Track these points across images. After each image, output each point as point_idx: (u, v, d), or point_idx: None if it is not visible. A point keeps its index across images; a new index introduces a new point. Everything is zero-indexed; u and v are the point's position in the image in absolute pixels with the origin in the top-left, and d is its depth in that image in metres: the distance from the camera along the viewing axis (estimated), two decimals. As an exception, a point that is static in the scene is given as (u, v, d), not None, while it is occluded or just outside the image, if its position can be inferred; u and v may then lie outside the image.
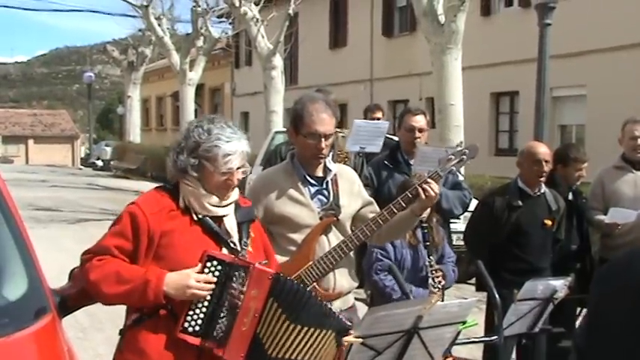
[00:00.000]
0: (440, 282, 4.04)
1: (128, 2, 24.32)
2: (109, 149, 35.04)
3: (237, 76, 29.33)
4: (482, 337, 3.94)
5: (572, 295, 3.77)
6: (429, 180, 3.12)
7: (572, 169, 4.84)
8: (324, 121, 3.13)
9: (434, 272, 4.04)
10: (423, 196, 3.08)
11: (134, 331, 2.52)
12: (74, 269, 2.63)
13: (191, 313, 2.51)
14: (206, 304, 2.51)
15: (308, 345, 2.54)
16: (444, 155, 3.15)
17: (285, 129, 11.20)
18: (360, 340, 2.38)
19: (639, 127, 4.98)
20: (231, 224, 2.66)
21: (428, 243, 4.09)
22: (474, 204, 5.12)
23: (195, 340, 2.50)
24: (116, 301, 2.52)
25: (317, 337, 2.55)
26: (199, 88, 25.77)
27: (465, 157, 3.20)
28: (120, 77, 38.42)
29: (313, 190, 3.25)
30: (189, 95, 22.89)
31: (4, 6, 41.44)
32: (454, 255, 4.37)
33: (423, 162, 4.42)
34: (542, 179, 4.46)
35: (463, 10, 9.36)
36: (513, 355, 4.46)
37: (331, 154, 3.40)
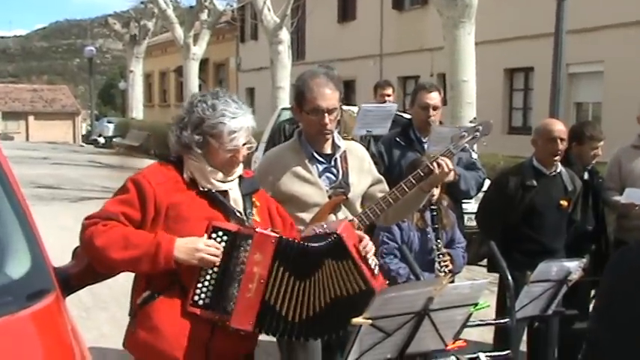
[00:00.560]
0: (447, 266, 4.05)
1: (130, -26, 24.20)
2: (111, 126, 35.00)
3: (243, 50, 29.22)
4: (493, 319, 3.95)
5: (587, 277, 3.77)
6: (442, 157, 3.11)
7: (587, 148, 4.81)
8: (326, 95, 3.12)
9: (441, 256, 4.05)
10: (437, 172, 3.08)
11: (146, 309, 2.54)
12: (77, 248, 2.64)
13: (200, 285, 2.53)
14: (214, 275, 2.53)
15: (329, 289, 2.57)
16: (458, 133, 3.15)
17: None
18: (370, 321, 2.38)
19: (659, 105, 4.94)
20: (235, 196, 2.67)
21: (437, 226, 4.09)
22: (487, 184, 5.11)
23: (205, 313, 2.52)
24: (124, 267, 2.51)
25: (331, 276, 2.58)
26: (203, 63, 25.70)
27: (478, 133, 3.19)
28: (122, 51, 38.32)
29: (321, 167, 3.25)
30: (193, 70, 22.83)
31: (3, -23, 41.27)
32: (465, 240, 4.38)
33: (438, 143, 4.40)
34: (557, 158, 4.44)
35: (477, -18, 9.28)
36: (525, 338, 4.47)
37: (337, 129, 3.39)
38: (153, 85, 39.20)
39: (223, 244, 2.53)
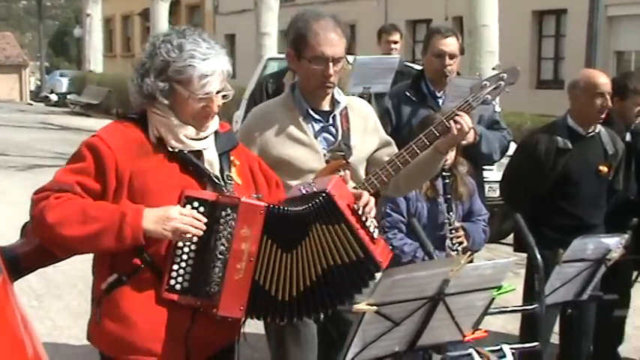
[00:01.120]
0: (460, 243, 4.05)
1: None
2: (64, 80, 34.86)
3: (221, -11, 28.99)
4: (519, 305, 3.96)
5: (629, 255, 3.79)
6: (459, 113, 3.10)
7: (630, 104, 4.80)
8: (333, 41, 3.11)
9: (454, 231, 4.05)
10: (455, 131, 3.07)
11: (113, 296, 2.53)
12: (26, 224, 2.63)
13: (176, 267, 2.52)
14: (192, 254, 2.53)
15: (319, 259, 2.56)
16: (478, 83, 3.13)
17: (280, 55, 11.10)
18: (374, 308, 2.39)
19: None
20: (211, 157, 2.66)
21: (449, 196, 4.08)
22: (512, 147, 5.11)
23: (184, 299, 2.52)
24: (83, 246, 2.48)
25: (322, 244, 2.57)
26: (174, 5, 25.51)
27: (502, 82, 3.17)
28: (76, -9, 38.02)
29: (318, 127, 3.24)
30: (161, 13, 22.63)
31: None
32: (487, 212, 4.37)
33: (456, 97, 4.38)
34: (602, 117, 4.44)
35: None
36: (556, 328, 4.50)
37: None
38: (114, 31, 38.94)
39: (200, 216, 2.52)
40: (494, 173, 6.77)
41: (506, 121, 5.27)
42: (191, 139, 2.59)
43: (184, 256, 2.53)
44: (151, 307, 2.52)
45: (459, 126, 3.10)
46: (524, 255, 4.11)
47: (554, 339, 4.57)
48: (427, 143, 3.14)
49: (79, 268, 2.66)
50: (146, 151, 2.55)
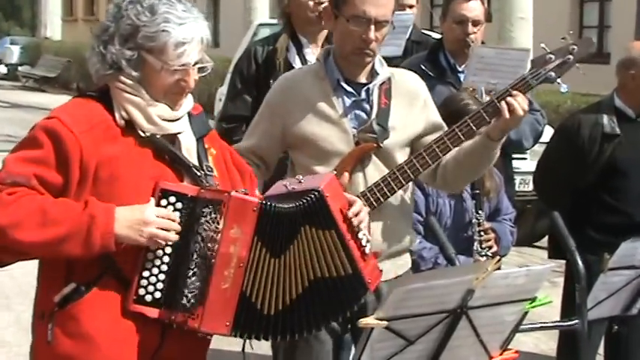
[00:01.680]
0: (490, 247, 4.05)
1: None
2: (15, 49, 34.89)
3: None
4: (557, 321, 3.98)
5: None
6: (513, 92, 3.09)
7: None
8: (379, 0, 3.09)
9: (482, 233, 4.05)
10: (507, 115, 3.06)
11: (70, 310, 2.52)
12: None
13: (146, 274, 2.52)
14: (166, 259, 2.52)
15: (306, 267, 2.58)
16: (542, 56, 3.09)
17: (272, 20, 11.06)
18: (384, 323, 2.38)
19: None
20: (189, 144, 2.65)
21: (477, 191, 4.08)
22: (548, 133, 5.10)
23: (156, 312, 2.52)
24: (42, 252, 2.48)
25: (309, 249, 2.58)
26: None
27: (571, 57, 3.14)
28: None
29: (349, 101, 3.24)
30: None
31: None
32: (514, 211, 4.39)
33: (481, 70, 4.37)
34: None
35: None
36: (600, 349, 4.51)
37: None
38: (75, -9, 38.98)
39: (178, 213, 2.52)
40: (527, 163, 6.77)
41: (540, 101, 5.27)
42: (165, 120, 2.58)
43: (157, 262, 2.53)
44: (116, 323, 2.52)
45: (512, 108, 3.08)
46: (563, 261, 4.12)
47: (598, 360, 4.59)
48: (473, 128, 3.13)
49: (31, 273, 2.64)
50: (113, 134, 2.54)
